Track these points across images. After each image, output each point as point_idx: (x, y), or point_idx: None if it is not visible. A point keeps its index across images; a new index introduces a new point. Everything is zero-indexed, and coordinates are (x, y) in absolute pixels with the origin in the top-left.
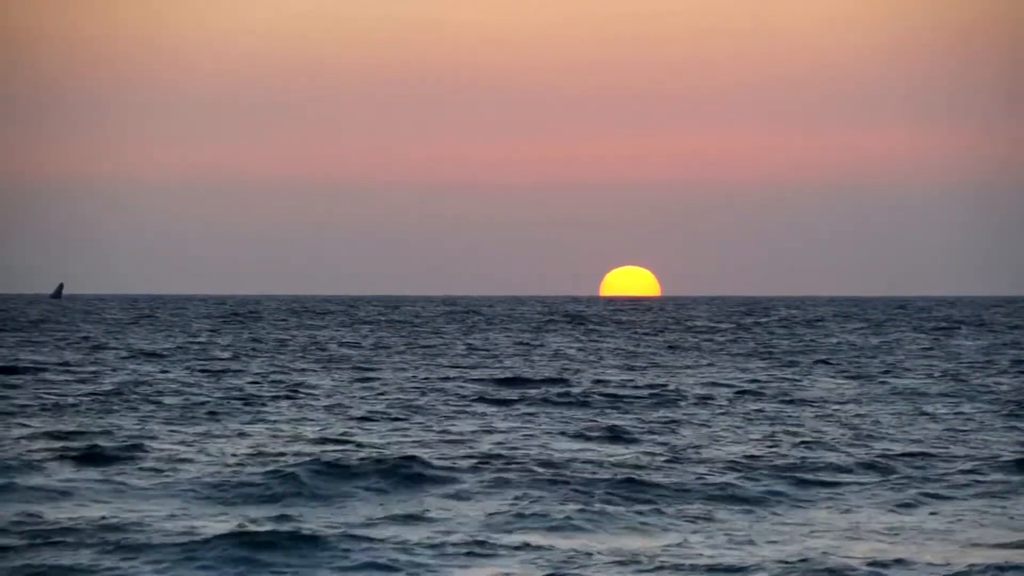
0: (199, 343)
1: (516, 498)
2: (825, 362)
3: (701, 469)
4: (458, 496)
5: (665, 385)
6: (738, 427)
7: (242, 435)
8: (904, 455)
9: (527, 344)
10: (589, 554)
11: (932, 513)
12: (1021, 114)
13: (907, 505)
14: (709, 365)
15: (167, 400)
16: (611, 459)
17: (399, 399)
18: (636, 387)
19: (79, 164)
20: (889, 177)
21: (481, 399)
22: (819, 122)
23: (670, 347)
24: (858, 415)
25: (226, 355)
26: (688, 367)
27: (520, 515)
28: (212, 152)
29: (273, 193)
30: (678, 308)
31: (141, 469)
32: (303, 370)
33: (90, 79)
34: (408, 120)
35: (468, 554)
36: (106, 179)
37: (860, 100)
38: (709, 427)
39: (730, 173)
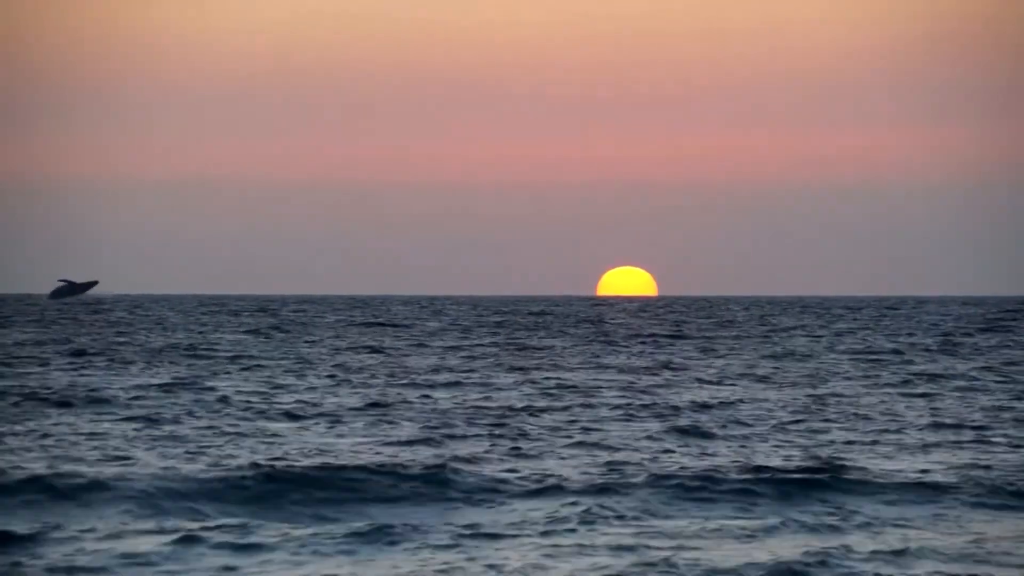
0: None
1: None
2: None
3: None
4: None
5: None
6: None
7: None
8: None
9: None
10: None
11: None
12: (1019, 112)
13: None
14: None
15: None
16: None
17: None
18: None
19: (76, 163)
20: (887, 177)
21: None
22: (817, 122)
23: None
24: None
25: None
26: None
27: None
28: (211, 151)
29: (272, 193)
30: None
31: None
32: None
33: (89, 78)
34: (407, 120)
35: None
36: (103, 178)
37: (859, 100)
38: None
39: (726, 173)
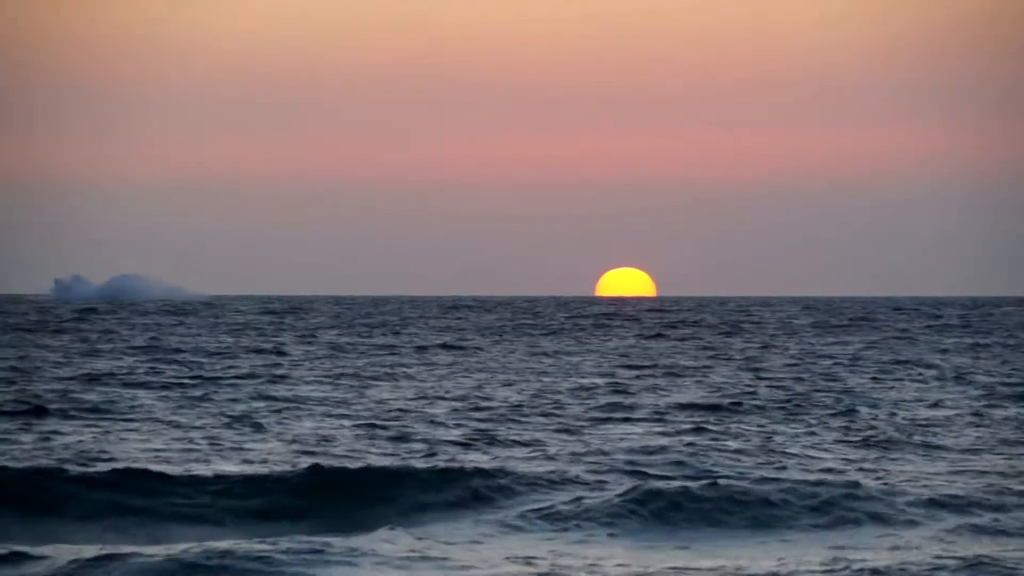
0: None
1: None
2: None
3: None
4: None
5: None
6: None
7: None
8: None
9: None
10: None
11: None
12: (1020, 113)
13: None
14: None
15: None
16: None
17: None
18: None
19: (76, 164)
20: (887, 177)
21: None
22: (815, 122)
23: None
24: None
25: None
26: None
27: None
28: (211, 152)
29: (272, 193)
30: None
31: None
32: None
33: (89, 78)
34: (407, 120)
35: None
36: (103, 179)
37: (858, 100)
38: None
39: (726, 174)
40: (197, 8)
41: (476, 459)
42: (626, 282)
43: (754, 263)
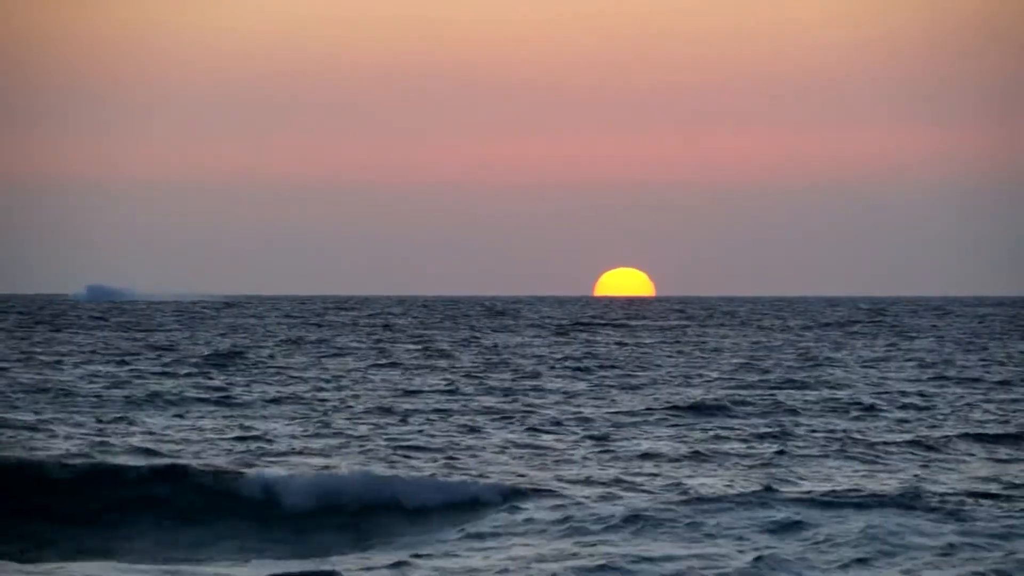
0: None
1: None
2: None
3: None
4: None
5: None
6: None
7: None
8: None
9: None
10: None
11: None
12: (1019, 112)
13: None
14: None
15: None
16: None
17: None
18: None
19: (76, 164)
20: (887, 177)
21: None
22: (816, 122)
23: None
24: None
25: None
26: None
27: None
28: (211, 152)
29: (273, 193)
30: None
31: None
32: None
33: (89, 78)
34: (407, 120)
35: None
36: (104, 179)
37: (859, 100)
38: None
39: (725, 174)
40: (197, 8)
41: None
42: (625, 282)
43: (753, 263)
